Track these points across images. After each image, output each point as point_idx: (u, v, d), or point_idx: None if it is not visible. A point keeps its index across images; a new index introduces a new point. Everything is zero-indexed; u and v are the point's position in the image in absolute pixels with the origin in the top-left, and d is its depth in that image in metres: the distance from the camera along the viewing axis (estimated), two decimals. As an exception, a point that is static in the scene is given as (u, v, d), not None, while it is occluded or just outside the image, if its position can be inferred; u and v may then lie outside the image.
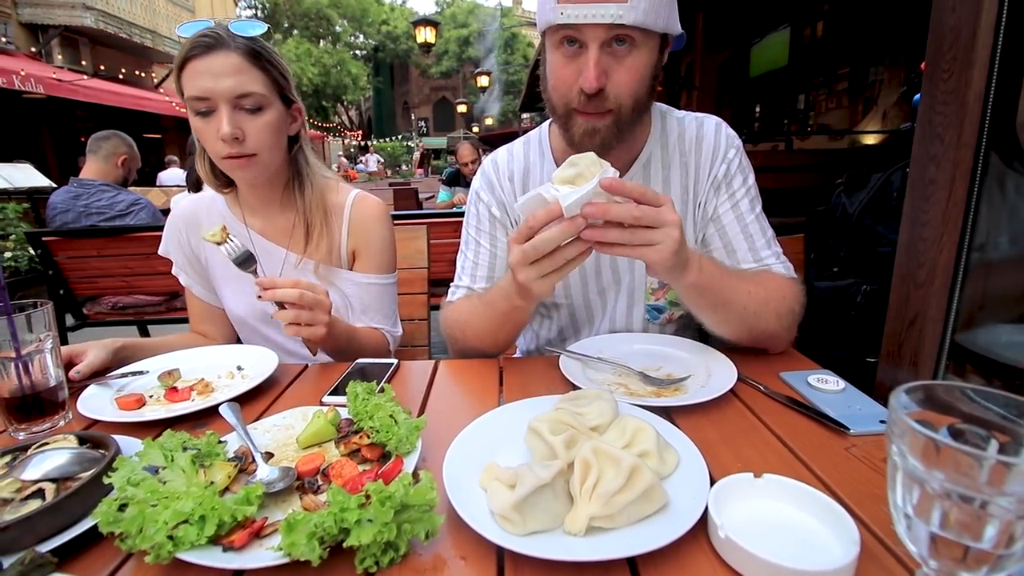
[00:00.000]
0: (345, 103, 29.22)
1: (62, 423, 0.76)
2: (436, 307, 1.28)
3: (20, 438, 0.73)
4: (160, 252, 1.17)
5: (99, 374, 0.94)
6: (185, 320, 3.49)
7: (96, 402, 0.79)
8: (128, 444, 0.65)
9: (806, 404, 0.74)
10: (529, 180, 1.03)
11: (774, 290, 0.85)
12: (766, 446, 0.66)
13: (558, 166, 0.99)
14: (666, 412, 0.72)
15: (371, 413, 0.67)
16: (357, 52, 28.13)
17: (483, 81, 15.67)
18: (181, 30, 0.94)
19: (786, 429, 0.69)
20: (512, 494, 0.49)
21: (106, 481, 0.53)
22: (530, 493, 0.49)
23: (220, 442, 0.63)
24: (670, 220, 0.66)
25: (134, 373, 0.88)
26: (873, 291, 1.32)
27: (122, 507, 0.50)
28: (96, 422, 0.76)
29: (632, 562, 0.47)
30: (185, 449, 0.59)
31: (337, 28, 26.79)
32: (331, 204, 1.12)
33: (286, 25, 24.75)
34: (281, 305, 0.86)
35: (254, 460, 0.61)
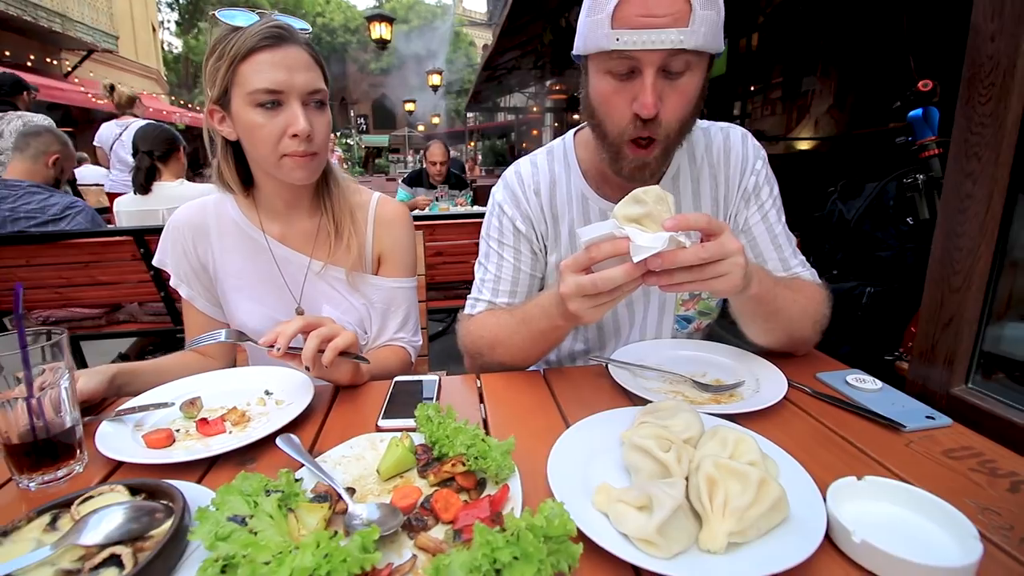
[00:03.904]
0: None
1: (78, 469, 0.67)
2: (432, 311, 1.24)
3: (31, 488, 0.64)
4: (155, 263, 1.07)
5: (94, 407, 0.84)
6: (125, 335, 3.16)
7: (117, 440, 0.70)
8: (187, 490, 0.57)
9: (856, 404, 0.78)
10: (556, 192, 1.02)
11: (810, 297, 0.90)
12: (836, 447, 0.69)
13: (585, 179, 1.00)
14: (730, 419, 0.74)
15: (451, 437, 0.64)
16: (289, 44, 26.79)
17: (434, 80, 15.35)
18: (224, 16, 0.87)
19: (846, 429, 0.73)
20: (653, 517, 0.48)
21: (191, 538, 0.47)
22: (671, 515, 0.48)
23: (296, 480, 0.57)
24: (734, 248, 0.66)
25: (156, 405, 0.79)
26: (877, 293, 1.44)
27: (224, 568, 0.44)
28: (120, 464, 0.67)
29: (771, 575, 0.48)
30: (268, 492, 0.53)
31: (268, 18, 25.34)
32: (355, 205, 1.07)
33: (211, 13, 23.07)
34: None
35: (340, 498, 0.56)
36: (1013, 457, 0.65)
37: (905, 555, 0.45)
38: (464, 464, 0.60)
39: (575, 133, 1.04)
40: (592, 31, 0.77)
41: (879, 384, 0.83)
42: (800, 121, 5.50)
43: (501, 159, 21.26)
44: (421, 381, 0.90)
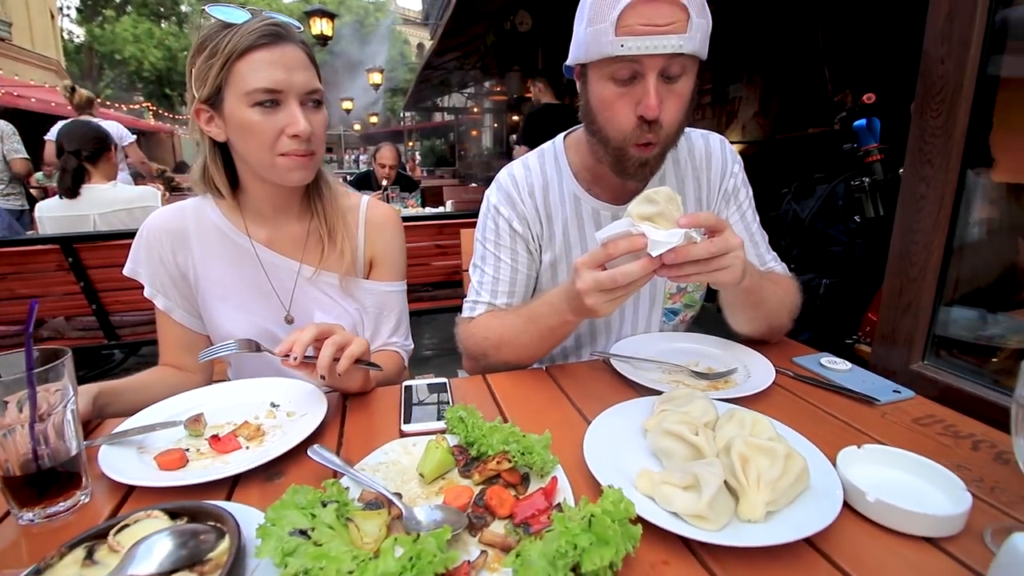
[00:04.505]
0: (196, 93, 25.88)
1: (83, 499, 0.62)
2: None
3: (34, 522, 0.58)
4: (127, 273, 0.99)
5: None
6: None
7: (125, 464, 0.65)
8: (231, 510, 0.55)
9: (834, 383, 0.87)
10: (549, 193, 1.05)
11: (786, 288, 0.99)
12: (824, 422, 0.77)
13: (576, 180, 1.04)
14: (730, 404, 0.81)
15: (488, 436, 0.65)
16: (210, 36, 25.03)
17: (375, 78, 14.77)
18: (216, 11, 0.83)
19: (830, 406, 0.82)
20: (703, 495, 0.53)
21: (258, 557, 0.46)
22: (717, 491, 0.53)
23: (344, 489, 0.57)
24: (736, 243, 0.72)
25: (162, 424, 0.74)
26: (832, 284, 1.60)
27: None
28: (131, 490, 0.63)
29: (804, 537, 0.54)
30: (323, 504, 0.52)
31: (184, 7, 23.58)
32: (345, 208, 1.05)
33: (118, 1, 21.03)
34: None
35: (392, 504, 0.57)
36: (969, 421, 0.75)
37: (917, 508, 0.53)
38: (509, 461, 0.62)
39: (564, 137, 1.08)
40: (595, 39, 0.81)
41: (849, 365, 0.94)
42: (728, 126, 5.90)
43: (442, 159, 21.05)
44: (431, 384, 0.90)
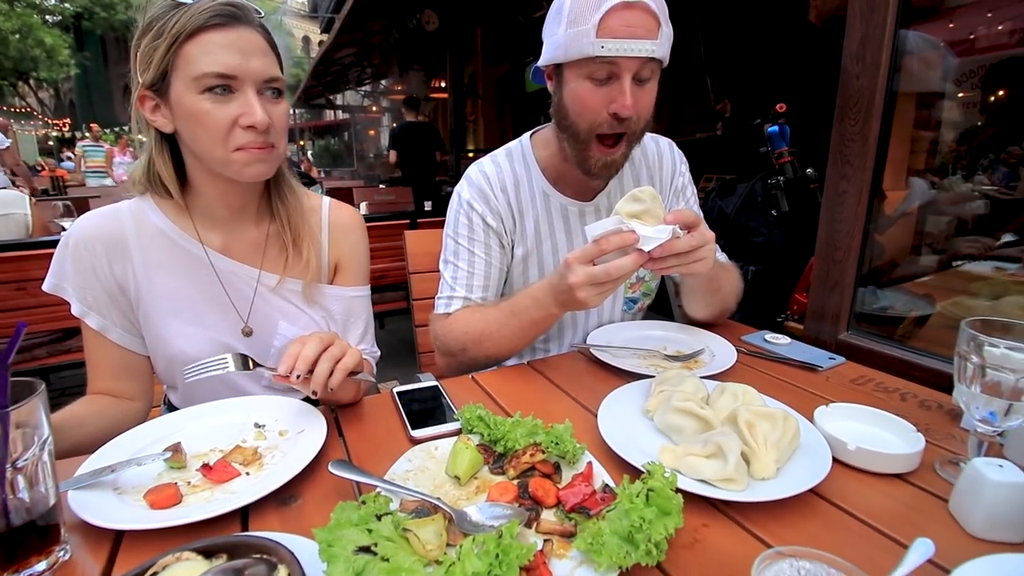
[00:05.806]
0: (32, 81, 22.01)
1: (63, 556, 0.53)
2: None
3: (4, 593, 0.49)
4: (48, 289, 0.84)
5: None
6: None
7: (108, 508, 0.56)
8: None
9: (781, 355, 1.00)
10: (520, 190, 1.08)
11: (734, 275, 1.11)
12: (784, 389, 0.89)
13: (546, 177, 1.08)
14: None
15: (512, 430, 0.67)
16: (49, 18, 21.32)
17: None
18: None
19: (783, 375, 0.93)
20: (729, 460, 0.59)
21: (330, 579, 0.44)
22: (739, 456, 0.59)
23: (388, 499, 0.55)
24: (710, 236, 0.82)
25: (140, 459, 0.64)
26: (758, 271, 1.80)
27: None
28: (121, 538, 0.55)
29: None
30: (378, 517, 0.51)
31: (12, -18, 19.89)
32: (307, 211, 0.98)
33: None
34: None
35: (439, 508, 0.56)
36: (893, 378, 0.91)
37: (891, 450, 0.63)
38: (543, 452, 0.63)
39: (531, 135, 1.12)
40: (575, 40, 0.86)
41: (789, 339, 1.08)
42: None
43: (338, 159, 20.02)
44: (423, 388, 0.88)
